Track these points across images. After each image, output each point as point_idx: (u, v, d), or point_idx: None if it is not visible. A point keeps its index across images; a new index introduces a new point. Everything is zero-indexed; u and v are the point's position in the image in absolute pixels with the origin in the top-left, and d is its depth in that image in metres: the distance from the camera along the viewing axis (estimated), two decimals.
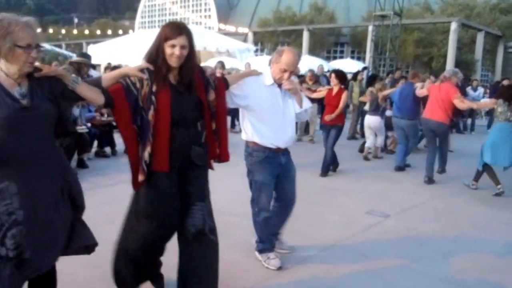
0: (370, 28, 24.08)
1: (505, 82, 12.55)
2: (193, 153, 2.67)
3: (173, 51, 2.50)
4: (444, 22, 25.36)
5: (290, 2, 34.39)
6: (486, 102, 6.50)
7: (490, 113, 13.91)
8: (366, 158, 8.20)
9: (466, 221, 5.00)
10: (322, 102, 9.19)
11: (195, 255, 2.73)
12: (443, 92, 6.49)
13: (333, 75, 7.18)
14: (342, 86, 7.02)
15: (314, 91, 8.10)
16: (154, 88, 2.53)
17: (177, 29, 2.54)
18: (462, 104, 6.90)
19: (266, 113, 3.36)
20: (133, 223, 2.78)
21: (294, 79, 9.20)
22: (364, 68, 14.63)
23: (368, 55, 24.06)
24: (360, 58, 29.16)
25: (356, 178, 6.82)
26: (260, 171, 3.47)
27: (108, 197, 5.15)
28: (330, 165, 6.93)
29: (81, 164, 6.69)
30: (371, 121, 8.22)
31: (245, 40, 29.38)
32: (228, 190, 5.32)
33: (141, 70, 2.53)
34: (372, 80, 9.60)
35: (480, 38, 26.19)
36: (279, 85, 3.38)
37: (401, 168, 7.35)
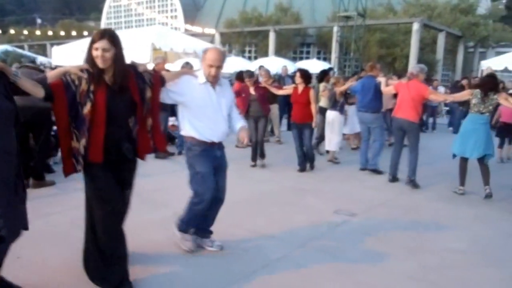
0: (335, 29, 24.41)
1: (464, 82, 13.00)
2: (124, 148, 3.03)
3: (97, 53, 2.82)
4: (406, 22, 25.94)
5: (256, 2, 34.45)
6: (463, 93, 6.54)
7: (449, 112, 14.38)
8: (335, 159, 8.25)
9: (429, 217, 5.17)
10: (286, 102, 9.26)
11: (116, 233, 3.10)
12: (412, 90, 6.44)
13: (298, 73, 7.23)
14: (308, 85, 7.11)
15: (281, 87, 8.11)
16: (92, 88, 2.85)
17: (100, 33, 2.86)
18: (438, 97, 7.00)
19: (200, 110, 3.61)
20: (89, 213, 3.09)
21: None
22: (330, 69, 14.78)
23: (334, 55, 24.41)
24: (326, 58, 29.45)
25: (324, 178, 6.93)
26: (200, 162, 3.67)
27: (76, 202, 5.04)
28: (313, 159, 7.25)
29: (47, 169, 6.54)
30: (331, 116, 8.14)
31: (212, 41, 29.29)
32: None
33: (81, 70, 2.84)
34: (323, 76, 9.30)
35: (441, 38, 26.89)
36: (212, 84, 3.64)
37: (365, 169, 7.41)
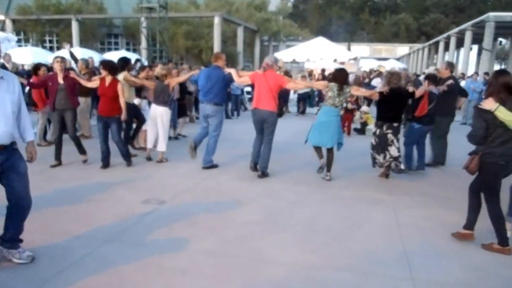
0: (142, 20, 24.28)
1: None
2: None
3: None
4: (208, 16, 27.22)
5: None
6: (320, 83, 7.01)
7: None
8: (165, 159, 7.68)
9: (230, 196, 5.67)
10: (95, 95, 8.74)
11: None
12: (270, 80, 6.41)
13: (101, 65, 6.94)
14: (115, 78, 6.85)
15: (89, 80, 7.64)
16: None
17: None
18: (296, 85, 7.23)
19: None
20: None
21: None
22: (137, 60, 14.73)
23: (142, 46, 24.29)
24: (136, 50, 29.15)
25: (136, 169, 6.97)
26: None
27: None
28: (127, 155, 7.11)
29: None
30: (159, 111, 7.38)
31: (2, 29, 26.37)
32: None
33: None
34: (124, 64, 7.95)
35: (240, 32, 29.03)
36: None
37: (211, 166, 7.18)
